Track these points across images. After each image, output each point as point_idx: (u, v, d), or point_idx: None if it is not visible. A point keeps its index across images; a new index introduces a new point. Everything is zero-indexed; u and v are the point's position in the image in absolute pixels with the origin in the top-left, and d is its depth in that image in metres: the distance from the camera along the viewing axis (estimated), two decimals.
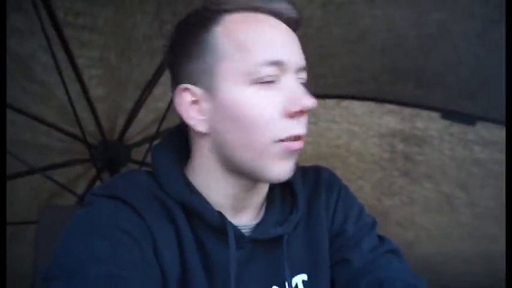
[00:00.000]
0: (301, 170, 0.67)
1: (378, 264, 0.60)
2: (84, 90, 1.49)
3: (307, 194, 0.65)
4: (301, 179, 0.65)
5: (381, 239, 0.65)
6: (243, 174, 0.55)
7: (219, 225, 0.55)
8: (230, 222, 0.56)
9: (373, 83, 1.47)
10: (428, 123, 1.50)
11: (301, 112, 0.53)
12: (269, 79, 0.53)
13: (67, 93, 1.30)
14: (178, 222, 0.55)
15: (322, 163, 1.86)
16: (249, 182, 0.56)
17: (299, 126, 0.53)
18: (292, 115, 0.52)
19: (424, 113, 1.50)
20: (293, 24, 0.57)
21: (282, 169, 0.54)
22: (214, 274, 0.55)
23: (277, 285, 0.58)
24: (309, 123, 1.75)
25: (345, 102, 1.59)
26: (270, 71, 0.53)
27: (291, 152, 0.53)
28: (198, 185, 0.58)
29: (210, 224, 0.55)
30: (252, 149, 0.54)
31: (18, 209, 1.71)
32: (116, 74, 1.48)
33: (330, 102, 1.60)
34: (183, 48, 0.57)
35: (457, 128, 1.47)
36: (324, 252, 0.63)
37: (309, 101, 0.52)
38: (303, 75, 0.56)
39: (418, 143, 1.55)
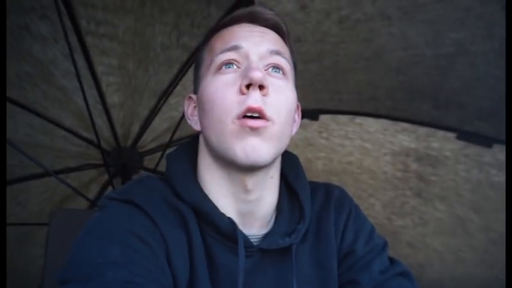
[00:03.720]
0: (311, 185, 0.66)
1: (388, 287, 0.59)
2: (102, 97, 1.52)
3: (316, 210, 0.64)
4: (311, 194, 0.65)
5: (392, 261, 0.63)
6: (224, 162, 0.57)
7: (229, 232, 0.56)
8: (240, 230, 0.56)
9: (388, 100, 1.46)
10: (444, 143, 1.48)
11: (250, 85, 0.55)
12: (228, 62, 0.57)
13: (85, 99, 1.33)
14: (189, 227, 0.56)
15: (334, 179, 1.84)
16: (239, 176, 0.57)
17: (251, 99, 0.54)
18: (244, 91, 0.55)
19: (440, 133, 1.47)
20: (272, 26, 0.61)
21: (244, 148, 0.54)
22: (220, 281, 0.55)
23: None
24: (321, 138, 1.73)
25: (359, 119, 1.59)
26: (227, 55, 0.57)
27: (250, 130, 0.54)
28: (207, 190, 0.59)
29: (220, 229, 0.56)
30: (216, 130, 0.57)
31: (31, 210, 1.75)
32: (132, 82, 1.51)
33: (344, 118, 1.60)
34: (195, 62, 0.66)
35: (473, 149, 1.44)
36: (333, 271, 0.61)
37: (254, 73, 0.54)
38: (278, 59, 0.58)
39: (432, 163, 1.53)
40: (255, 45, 0.58)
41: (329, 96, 1.49)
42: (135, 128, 1.69)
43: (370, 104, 1.50)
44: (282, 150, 0.59)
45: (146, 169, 1.76)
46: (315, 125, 1.62)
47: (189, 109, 0.64)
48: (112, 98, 1.56)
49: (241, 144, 0.54)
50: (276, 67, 0.58)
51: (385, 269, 0.61)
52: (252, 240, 0.58)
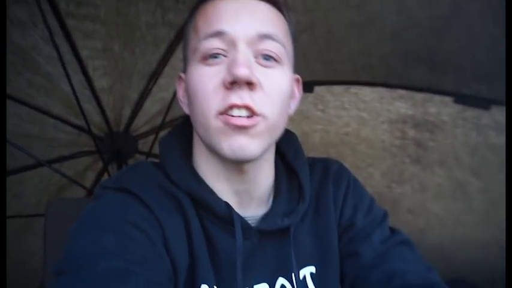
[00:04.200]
0: (309, 162, 0.65)
1: (388, 257, 0.59)
2: (89, 82, 1.48)
3: (314, 186, 0.64)
4: (309, 171, 0.64)
5: (393, 231, 0.63)
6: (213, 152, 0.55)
7: (226, 216, 0.55)
8: (237, 213, 0.55)
9: (383, 67, 1.42)
10: (441, 108, 1.46)
11: (233, 82, 0.50)
12: (213, 52, 0.52)
13: (71, 85, 1.29)
14: (186, 212, 0.55)
15: (331, 151, 1.82)
16: (232, 163, 0.55)
17: (234, 96, 0.50)
18: (228, 86, 0.51)
19: (437, 97, 1.45)
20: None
21: (230, 145, 0.51)
22: (221, 264, 0.55)
23: (284, 277, 0.57)
24: (317, 110, 1.70)
25: (354, 89, 1.56)
26: (212, 43, 0.52)
27: (235, 127, 0.50)
28: (202, 174, 0.58)
29: (217, 214, 0.55)
30: (201, 124, 0.54)
31: (27, 202, 1.72)
32: (120, 65, 1.46)
33: (339, 88, 1.57)
34: (183, 38, 0.61)
35: (470, 112, 1.43)
36: (333, 245, 0.61)
37: (239, 70, 0.49)
38: (269, 45, 0.53)
39: (430, 128, 1.51)
40: (243, 29, 0.52)
41: (323, 66, 1.45)
42: (127, 112, 1.65)
43: (365, 73, 1.46)
44: (275, 139, 0.57)
45: (141, 153, 1.73)
46: (310, 97, 1.59)
47: (180, 91, 0.61)
48: (100, 83, 1.51)
49: (228, 142, 0.51)
50: (267, 55, 0.53)
51: (386, 239, 0.61)
52: (250, 221, 0.57)
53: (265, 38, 0.52)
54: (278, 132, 0.56)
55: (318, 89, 1.58)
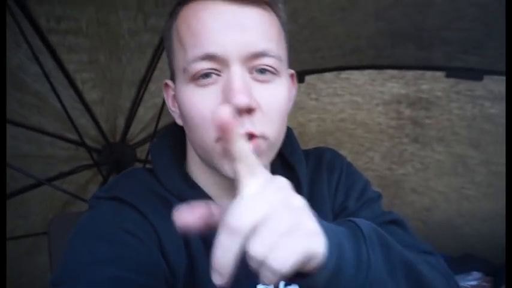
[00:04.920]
0: (303, 154, 0.64)
1: None
2: (80, 96, 1.47)
3: (309, 177, 0.63)
4: (305, 163, 0.63)
5: (385, 212, 0.62)
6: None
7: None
8: None
9: (371, 49, 1.41)
10: (433, 84, 1.44)
11: (233, 110, 0.48)
12: (206, 76, 0.49)
13: (60, 100, 1.29)
14: None
15: (329, 139, 1.81)
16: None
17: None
18: None
19: (428, 73, 1.44)
20: (252, 1, 0.50)
21: (233, 168, 0.49)
22: None
23: None
24: (311, 99, 1.69)
25: (345, 74, 1.55)
26: (204, 66, 0.49)
27: None
28: (196, 178, 0.58)
29: None
30: (200, 148, 0.53)
31: (34, 220, 1.73)
32: (108, 75, 1.46)
33: (330, 75, 1.56)
34: (165, 43, 0.58)
35: (463, 85, 1.41)
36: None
37: (238, 99, 0.46)
38: (266, 60, 0.49)
39: (425, 106, 1.50)
40: (235, 48, 0.48)
41: (311, 55, 1.44)
42: (121, 122, 1.65)
43: (353, 56, 1.45)
44: (276, 152, 0.55)
45: (140, 161, 1.74)
46: (301, 87, 1.59)
47: (169, 100, 0.59)
48: (90, 95, 1.51)
49: (230, 164, 0.49)
50: (263, 69, 0.50)
51: (375, 217, 0.60)
52: None
53: (260, 55, 0.49)
54: (278, 146, 0.55)
55: (309, 78, 1.57)
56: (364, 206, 0.62)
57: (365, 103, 1.58)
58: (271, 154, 0.54)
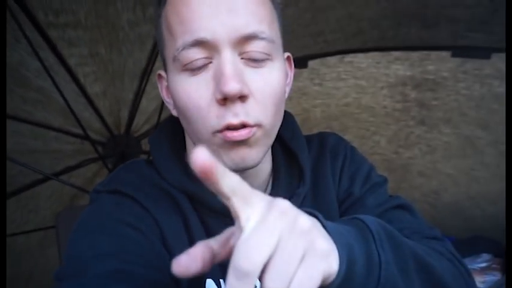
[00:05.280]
0: (305, 140, 0.63)
1: (385, 220, 0.57)
2: (82, 89, 1.47)
3: (312, 163, 0.62)
4: (307, 150, 0.62)
5: (391, 196, 0.61)
6: None
7: (223, 209, 0.54)
8: None
9: (374, 31, 1.38)
10: (439, 64, 1.41)
11: (225, 100, 0.46)
12: (197, 63, 0.47)
13: (62, 95, 1.29)
14: (184, 209, 0.54)
15: (334, 124, 1.79)
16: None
17: (230, 114, 0.46)
18: (221, 103, 0.47)
19: (434, 54, 1.40)
20: None
21: (232, 159, 0.49)
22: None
23: None
24: (314, 85, 1.66)
25: (348, 57, 1.52)
26: (194, 53, 0.47)
27: (235, 142, 0.48)
28: None
29: (214, 208, 0.54)
30: (197, 139, 0.51)
31: (44, 215, 1.76)
32: (109, 68, 1.45)
33: (333, 59, 1.53)
34: (156, 33, 0.56)
35: (471, 64, 1.37)
36: (335, 218, 0.60)
37: (229, 87, 0.45)
38: (255, 45, 0.47)
39: (431, 87, 1.47)
40: (224, 31, 0.46)
41: (313, 39, 1.42)
42: (124, 114, 1.65)
43: (356, 39, 1.42)
44: (274, 138, 0.54)
45: (145, 152, 1.74)
46: (305, 72, 1.56)
47: (163, 90, 0.58)
48: (93, 89, 1.50)
49: (229, 155, 0.49)
50: (255, 53, 0.48)
51: (382, 203, 0.59)
52: None
53: (251, 38, 0.47)
54: (276, 132, 0.53)
55: (312, 63, 1.54)
56: (370, 191, 0.60)
57: (370, 86, 1.55)
58: (268, 141, 0.52)
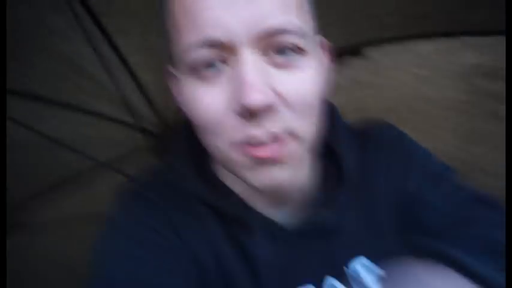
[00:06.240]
0: (354, 131, 0.57)
1: (464, 219, 0.49)
2: (135, 79, 1.50)
3: (359, 160, 0.54)
4: (352, 143, 0.55)
5: (458, 187, 0.53)
6: None
7: (246, 220, 0.50)
8: (259, 215, 0.49)
9: (439, 14, 1.26)
10: None
11: (246, 111, 0.37)
12: (208, 68, 0.39)
13: (115, 84, 1.31)
14: (206, 219, 0.52)
15: (391, 116, 1.68)
16: None
17: (255, 126, 0.38)
18: (240, 114, 0.38)
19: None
20: None
21: (260, 180, 0.41)
22: (258, 269, 0.49)
23: (332, 275, 0.50)
24: (369, 73, 1.54)
25: (409, 44, 1.40)
26: (203, 55, 0.39)
27: (261, 160, 0.39)
28: (222, 176, 0.53)
29: (237, 219, 0.50)
30: (215, 154, 0.44)
31: (100, 201, 1.83)
32: (159, 56, 1.46)
33: (390, 46, 1.42)
34: (162, 26, 0.49)
35: None
36: (386, 226, 0.53)
37: (249, 99, 0.36)
38: (286, 38, 0.38)
39: (503, 76, 1.32)
40: (242, 28, 0.37)
41: (368, 24, 1.32)
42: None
43: (418, 24, 1.30)
44: (313, 149, 0.47)
45: None
46: (359, 60, 1.47)
47: (174, 88, 0.50)
48: (145, 78, 1.53)
49: (255, 176, 0.41)
50: (283, 49, 0.39)
51: (446, 197, 0.52)
52: (286, 219, 0.51)
53: (276, 33, 0.38)
54: (314, 142, 0.45)
55: (366, 50, 1.45)
56: (432, 186, 0.53)
57: (432, 76, 1.43)
58: (306, 152, 0.44)
